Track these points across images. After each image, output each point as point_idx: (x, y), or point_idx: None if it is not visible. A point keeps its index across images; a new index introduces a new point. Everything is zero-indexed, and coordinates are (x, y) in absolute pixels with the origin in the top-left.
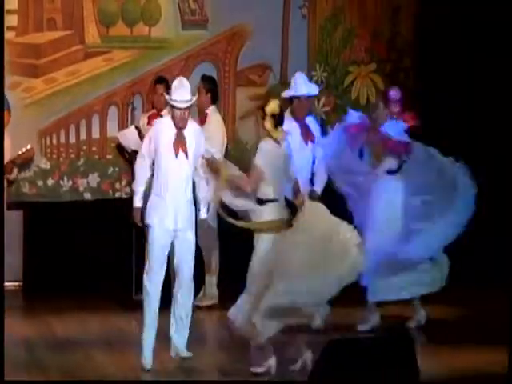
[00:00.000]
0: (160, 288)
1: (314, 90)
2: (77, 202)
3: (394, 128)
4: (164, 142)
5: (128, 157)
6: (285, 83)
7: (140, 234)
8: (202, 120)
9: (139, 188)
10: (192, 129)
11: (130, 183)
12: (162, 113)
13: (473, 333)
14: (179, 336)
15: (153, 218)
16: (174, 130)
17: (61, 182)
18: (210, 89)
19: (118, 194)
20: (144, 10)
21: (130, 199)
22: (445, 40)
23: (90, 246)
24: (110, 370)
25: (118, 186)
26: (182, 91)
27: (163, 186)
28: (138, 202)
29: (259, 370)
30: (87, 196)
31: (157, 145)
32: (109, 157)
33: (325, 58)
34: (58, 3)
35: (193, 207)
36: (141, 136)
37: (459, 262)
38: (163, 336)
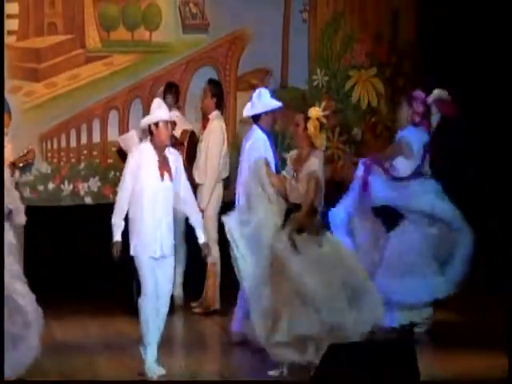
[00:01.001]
0: (157, 310)
1: (273, 103)
2: (77, 206)
3: (414, 134)
4: (146, 166)
5: None
6: (285, 87)
7: None
8: (205, 124)
9: (121, 221)
10: (171, 152)
11: None
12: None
13: (473, 338)
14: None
15: (136, 247)
16: (155, 154)
17: (61, 186)
18: (216, 93)
19: None
20: (145, 15)
21: None
22: (445, 44)
23: (90, 250)
24: (109, 374)
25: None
26: (163, 108)
27: (146, 212)
28: (118, 236)
29: (274, 372)
30: (88, 200)
31: (138, 170)
32: (109, 161)
33: (325, 62)
34: (58, 8)
35: (172, 234)
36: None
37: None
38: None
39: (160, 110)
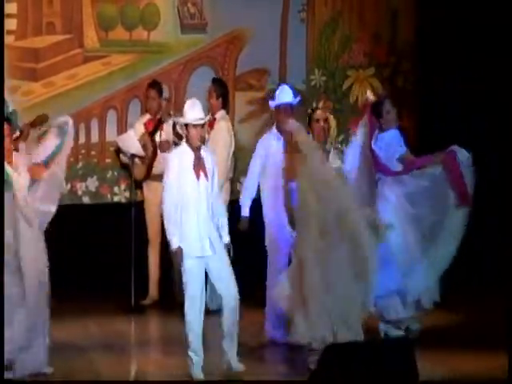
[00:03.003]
0: (202, 313)
1: (289, 98)
2: (75, 205)
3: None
4: (184, 168)
5: (127, 161)
6: None
7: (139, 238)
8: (211, 124)
9: (175, 230)
10: (206, 152)
11: (128, 187)
12: (158, 117)
13: (473, 338)
14: (229, 350)
15: (184, 249)
16: (191, 154)
17: None
18: (222, 93)
19: (116, 198)
20: (143, 14)
21: (129, 204)
22: (444, 43)
23: (88, 250)
24: (108, 374)
25: (116, 190)
26: (196, 110)
27: (191, 212)
28: (178, 242)
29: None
30: (86, 200)
31: (178, 174)
32: (108, 161)
33: (323, 62)
34: (57, 7)
35: (216, 231)
36: (142, 142)
37: (459, 266)
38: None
39: (191, 112)
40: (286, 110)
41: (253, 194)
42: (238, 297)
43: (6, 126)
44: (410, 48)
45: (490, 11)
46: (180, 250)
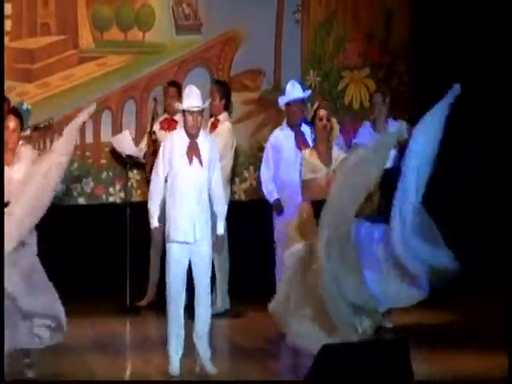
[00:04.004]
0: (181, 304)
1: (300, 93)
2: (71, 206)
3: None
4: (177, 152)
5: (122, 162)
6: (278, 88)
7: (134, 238)
8: (215, 125)
9: (156, 208)
10: (205, 138)
11: (123, 188)
12: (175, 117)
13: (472, 338)
14: (202, 350)
15: (170, 233)
16: (186, 140)
17: None
18: (225, 95)
19: (111, 199)
20: (138, 15)
21: (124, 204)
22: (439, 44)
23: (83, 250)
24: (103, 374)
25: (111, 190)
26: (193, 97)
27: (179, 197)
28: (156, 223)
29: None
30: (81, 201)
31: (171, 157)
32: (102, 161)
33: (318, 62)
34: (51, 8)
35: (209, 219)
36: (152, 139)
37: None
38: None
39: (187, 99)
40: (298, 105)
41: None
42: (208, 291)
43: (16, 120)
44: (404, 48)
45: (484, 11)
46: (157, 229)
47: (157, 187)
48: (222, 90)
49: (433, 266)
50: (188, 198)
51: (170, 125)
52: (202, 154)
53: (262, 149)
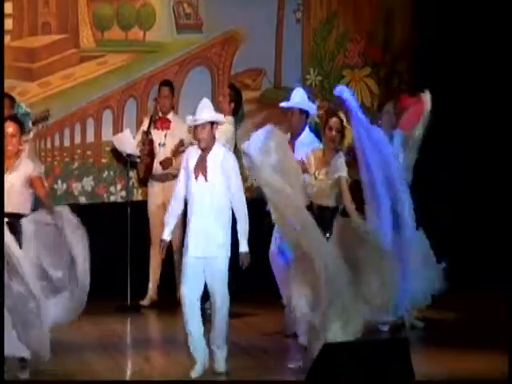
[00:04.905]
0: (197, 313)
1: (294, 101)
2: (71, 205)
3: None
4: (190, 166)
5: (123, 161)
6: (279, 87)
7: (135, 237)
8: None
9: (170, 220)
10: (218, 153)
11: (124, 187)
12: (168, 116)
13: (473, 337)
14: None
15: (184, 246)
16: (197, 154)
17: (55, 186)
18: (236, 100)
19: (112, 198)
20: (139, 14)
21: (125, 204)
22: (440, 43)
23: None
24: (104, 374)
25: (112, 189)
26: (197, 111)
27: (190, 211)
28: (166, 235)
29: (295, 364)
30: (82, 200)
31: (186, 171)
32: (103, 161)
33: (319, 62)
34: (52, 7)
35: (225, 235)
36: (148, 139)
37: (458, 266)
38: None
39: (198, 113)
40: (293, 112)
41: None
42: (225, 301)
43: (16, 126)
44: (405, 47)
45: (486, 10)
46: (164, 242)
47: (175, 200)
48: (235, 95)
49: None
50: (198, 212)
51: (163, 124)
52: (211, 167)
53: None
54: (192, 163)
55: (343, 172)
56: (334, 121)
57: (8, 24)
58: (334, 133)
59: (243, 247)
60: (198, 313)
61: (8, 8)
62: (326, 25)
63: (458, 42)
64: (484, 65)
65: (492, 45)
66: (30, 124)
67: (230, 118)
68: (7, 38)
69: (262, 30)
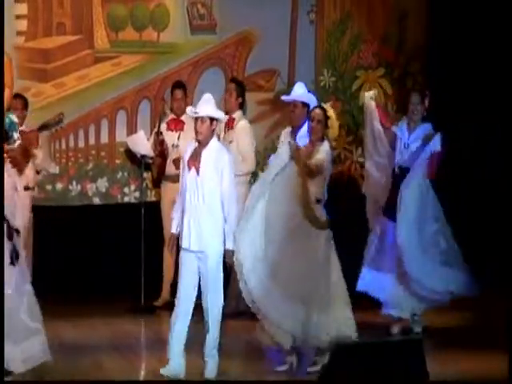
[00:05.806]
0: (190, 309)
1: (294, 94)
2: (86, 206)
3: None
4: (185, 158)
5: (137, 162)
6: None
7: (149, 238)
8: (230, 124)
9: (175, 214)
10: (213, 148)
11: (138, 188)
12: (182, 118)
13: (473, 338)
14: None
15: (181, 240)
16: (192, 147)
17: (69, 187)
18: (241, 94)
19: (126, 199)
20: (153, 15)
21: (139, 204)
22: (453, 44)
23: (98, 250)
24: (116, 375)
25: (126, 190)
26: (200, 104)
27: (184, 203)
28: (173, 229)
29: (283, 367)
30: (96, 201)
31: (183, 163)
32: (117, 161)
33: (332, 63)
34: (67, 8)
35: (217, 231)
36: (159, 140)
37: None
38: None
39: (199, 106)
40: (292, 106)
41: None
42: (214, 312)
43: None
44: (419, 48)
45: (500, 12)
46: (173, 235)
47: (180, 194)
48: (240, 89)
49: (453, 291)
50: (189, 204)
51: (176, 125)
52: (204, 162)
53: (275, 149)
54: (187, 155)
55: (321, 157)
56: (314, 111)
57: (23, 25)
58: (314, 123)
59: (229, 244)
60: (188, 312)
61: (23, 9)
62: (339, 26)
63: (472, 44)
64: (497, 66)
65: (506, 46)
66: (15, 135)
67: (240, 113)
68: (22, 39)
69: (276, 31)
